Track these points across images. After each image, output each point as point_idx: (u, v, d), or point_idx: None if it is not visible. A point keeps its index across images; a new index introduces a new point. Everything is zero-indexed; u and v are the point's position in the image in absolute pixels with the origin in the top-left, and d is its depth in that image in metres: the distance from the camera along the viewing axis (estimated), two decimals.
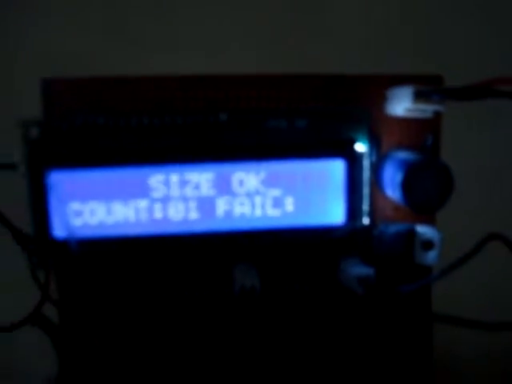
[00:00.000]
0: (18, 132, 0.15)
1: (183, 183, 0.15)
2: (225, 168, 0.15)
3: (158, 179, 0.15)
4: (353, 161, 0.15)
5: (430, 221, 0.17)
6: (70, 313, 0.16)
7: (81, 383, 0.17)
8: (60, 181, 0.15)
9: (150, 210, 0.15)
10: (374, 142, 0.16)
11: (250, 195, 0.15)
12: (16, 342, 0.22)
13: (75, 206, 0.15)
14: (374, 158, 0.16)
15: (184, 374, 0.17)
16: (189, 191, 0.15)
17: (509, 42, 0.20)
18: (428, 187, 0.15)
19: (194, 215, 0.15)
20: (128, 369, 0.17)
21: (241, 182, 0.15)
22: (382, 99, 0.17)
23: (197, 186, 0.15)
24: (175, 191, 0.15)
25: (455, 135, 0.18)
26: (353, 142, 0.16)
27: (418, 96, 0.15)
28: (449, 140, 0.17)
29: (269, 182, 0.15)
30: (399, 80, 0.16)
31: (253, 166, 0.15)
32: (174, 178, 0.15)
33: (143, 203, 0.15)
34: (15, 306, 0.15)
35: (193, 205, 0.15)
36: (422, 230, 0.17)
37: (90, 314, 0.16)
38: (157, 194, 0.15)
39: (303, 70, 0.16)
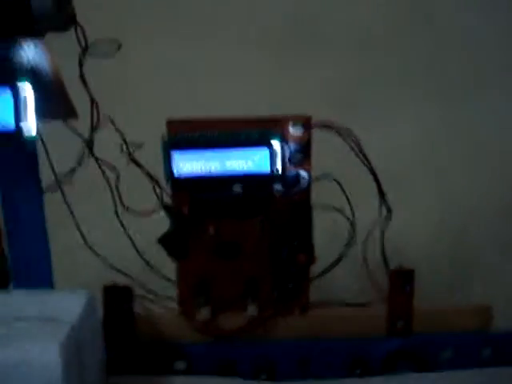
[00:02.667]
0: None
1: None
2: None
3: (208, 155, 0.47)
4: (272, 150, 0.47)
5: (306, 169, 0.49)
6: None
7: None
8: (175, 155, 0.47)
9: (205, 165, 0.48)
10: (283, 143, 0.48)
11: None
12: None
13: (181, 164, 0.47)
14: (284, 149, 0.48)
15: None
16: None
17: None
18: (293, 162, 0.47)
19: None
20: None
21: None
22: (287, 126, 0.48)
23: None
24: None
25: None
26: (271, 143, 0.47)
27: (294, 126, 0.47)
28: None
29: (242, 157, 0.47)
30: (295, 118, 0.48)
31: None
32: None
33: (202, 163, 0.48)
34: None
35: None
36: (303, 173, 0.49)
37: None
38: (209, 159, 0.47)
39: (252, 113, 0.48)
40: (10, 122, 0.32)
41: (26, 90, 0.32)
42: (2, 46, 0.34)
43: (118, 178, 0.48)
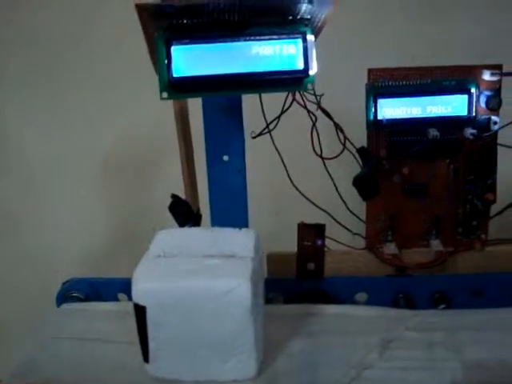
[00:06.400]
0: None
1: None
2: None
3: (411, 101, 0.54)
4: (470, 96, 0.54)
5: (496, 114, 0.56)
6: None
7: None
8: (381, 101, 0.54)
9: (407, 110, 0.55)
10: (477, 89, 0.54)
11: None
12: None
13: (385, 109, 0.55)
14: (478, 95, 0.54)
15: None
16: None
17: None
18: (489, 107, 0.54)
19: None
20: None
21: None
22: (481, 73, 0.55)
23: None
24: None
25: None
26: (470, 89, 0.54)
27: (487, 74, 0.54)
28: None
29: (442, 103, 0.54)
30: (488, 66, 0.55)
31: None
32: None
33: (404, 108, 0.55)
34: None
35: None
36: (494, 118, 0.56)
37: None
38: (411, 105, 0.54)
39: None
40: (297, 65, 0.40)
41: (311, 38, 0.40)
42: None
43: (313, 124, 0.55)
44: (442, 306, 0.56)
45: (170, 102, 0.60)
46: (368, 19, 0.61)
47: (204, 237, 0.44)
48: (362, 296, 0.58)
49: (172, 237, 0.45)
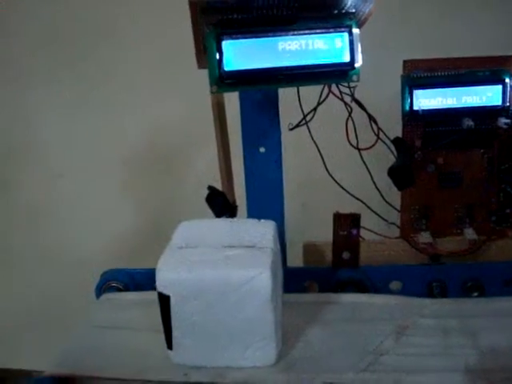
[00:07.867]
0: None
1: None
2: None
3: (446, 92, 0.56)
4: (504, 86, 0.55)
5: None
6: None
7: None
8: (416, 91, 0.56)
9: (442, 101, 0.56)
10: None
11: None
12: None
13: (421, 99, 0.56)
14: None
15: None
16: None
17: None
18: None
19: None
20: None
21: None
22: None
23: None
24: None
25: None
26: (504, 79, 0.55)
27: None
28: None
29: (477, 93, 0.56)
30: None
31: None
32: None
33: (439, 99, 0.56)
34: None
35: None
36: None
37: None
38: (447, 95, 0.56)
39: None
40: (344, 58, 0.42)
41: (356, 31, 0.41)
42: None
43: (349, 115, 0.57)
44: (475, 293, 0.57)
45: (199, 97, 0.62)
46: (402, 11, 0.62)
47: (224, 228, 0.46)
48: (396, 284, 0.59)
49: (193, 228, 0.46)
